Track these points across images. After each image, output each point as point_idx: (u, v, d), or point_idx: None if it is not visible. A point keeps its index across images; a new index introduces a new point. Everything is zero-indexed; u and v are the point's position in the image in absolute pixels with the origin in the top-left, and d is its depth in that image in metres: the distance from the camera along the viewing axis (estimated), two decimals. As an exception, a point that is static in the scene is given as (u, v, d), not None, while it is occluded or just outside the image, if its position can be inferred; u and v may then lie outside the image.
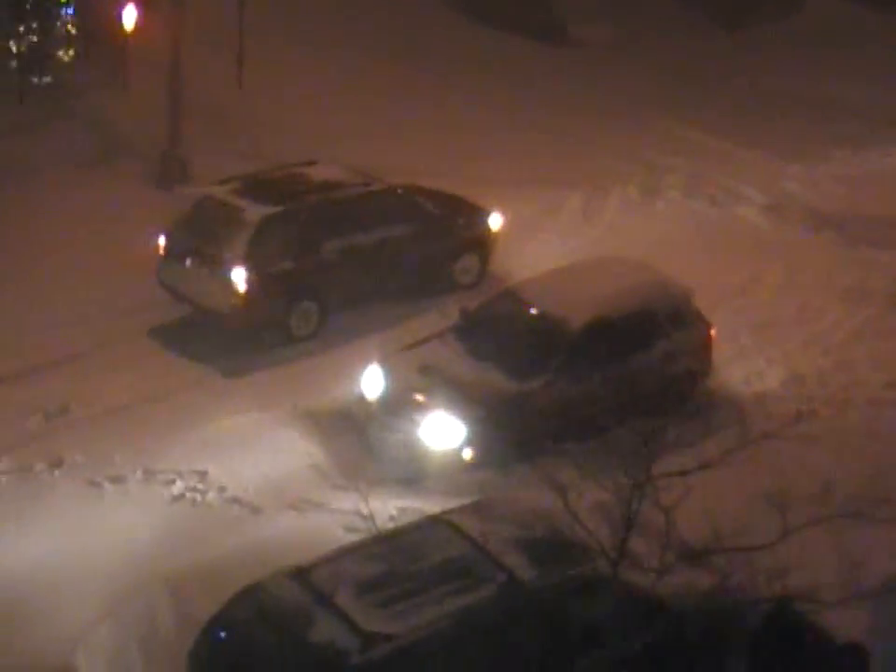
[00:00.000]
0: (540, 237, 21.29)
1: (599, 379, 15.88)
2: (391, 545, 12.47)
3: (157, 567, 13.77)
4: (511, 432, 15.44)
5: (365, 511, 12.63)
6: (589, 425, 14.95)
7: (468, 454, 15.55)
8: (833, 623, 12.08)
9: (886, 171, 24.14)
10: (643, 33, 29.90)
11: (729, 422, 16.33)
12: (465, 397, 15.53)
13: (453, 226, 19.61)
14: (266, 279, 17.70)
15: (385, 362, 16.41)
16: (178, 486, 15.34)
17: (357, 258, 18.48)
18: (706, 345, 17.10)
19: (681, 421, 15.70)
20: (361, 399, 16.23)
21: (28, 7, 24.11)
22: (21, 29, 24.04)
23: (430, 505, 14.48)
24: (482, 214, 19.99)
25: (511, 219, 20.61)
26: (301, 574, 12.02)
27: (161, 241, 18.49)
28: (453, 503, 13.77)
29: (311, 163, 19.37)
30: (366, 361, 16.72)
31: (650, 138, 24.97)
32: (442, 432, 15.48)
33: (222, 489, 15.33)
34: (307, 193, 18.42)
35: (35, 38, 24.20)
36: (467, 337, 16.49)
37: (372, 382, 16.21)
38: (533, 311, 16.36)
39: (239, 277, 17.51)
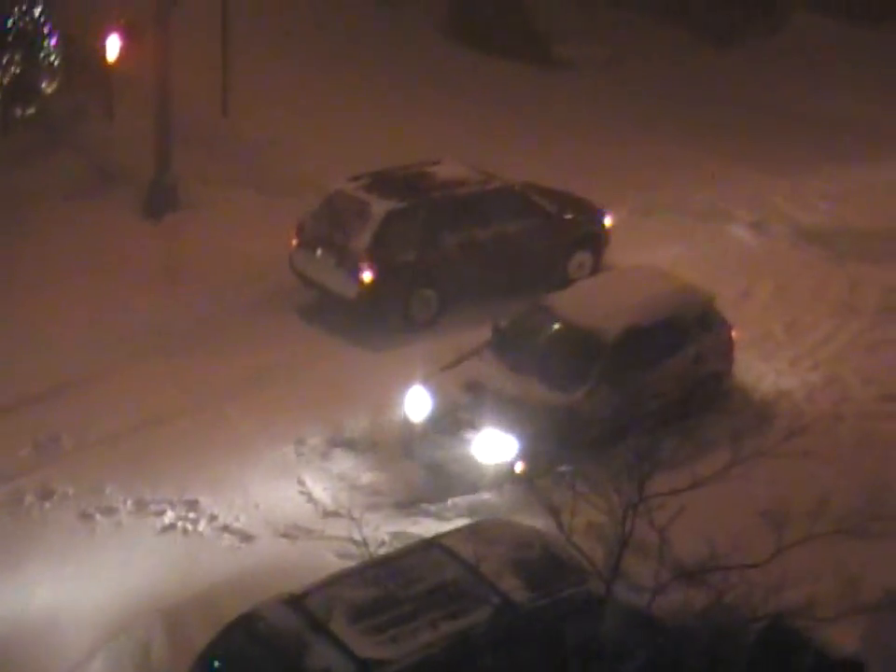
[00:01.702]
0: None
1: (637, 384, 16.37)
2: (385, 570, 12.42)
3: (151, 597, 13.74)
4: (559, 443, 15.74)
5: (357, 537, 12.59)
6: (629, 430, 14.99)
7: (520, 467, 15.85)
8: (829, 639, 12.05)
9: (873, 185, 24.19)
10: (628, 52, 29.98)
11: (722, 439, 16.34)
12: (513, 412, 15.93)
13: (567, 223, 20.61)
14: (389, 268, 18.96)
15: (429, 382, 16.71)
16: (170, 516, 15.30)
17: (475, 251, 19.60)
18: (729, 346, 17.68)
19: (675, 439, 15.86)
20: (406, 420, 16.58)
21: (10, 38, 24.08)
22: (4, 60, 24.00)
23: (423, 529, 14.51)
24: (595, 211, 20.96)
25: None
26: (294, 601, 11.98)
27: (295, 232, 19.80)
28: (446, 527, 13.80)
29: (435, 162, 20.49)
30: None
31: (639, 157, 24.99)
32: (495, 447, 15.84)
33: (213, 518, 15.31)
34: (430, 190, 19.66)
35: (17, 69, 24.17)
36: (504, 352, 16.90)
37: (417, 402, 16.55)
38: (568, 323, 16.85)
39: (364, 266, 18.69)
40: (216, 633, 11.94)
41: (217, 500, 15.54)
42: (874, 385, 18.12)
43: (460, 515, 15.05)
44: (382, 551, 13.65)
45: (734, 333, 17.78)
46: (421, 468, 16.13)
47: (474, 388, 16.37)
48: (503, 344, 17.04)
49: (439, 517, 15.15)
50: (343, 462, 16.35)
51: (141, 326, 18.83)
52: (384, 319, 19.11)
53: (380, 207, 19.03)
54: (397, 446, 16.53)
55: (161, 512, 15.35)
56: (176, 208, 22.24)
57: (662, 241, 21.90)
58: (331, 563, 13.78)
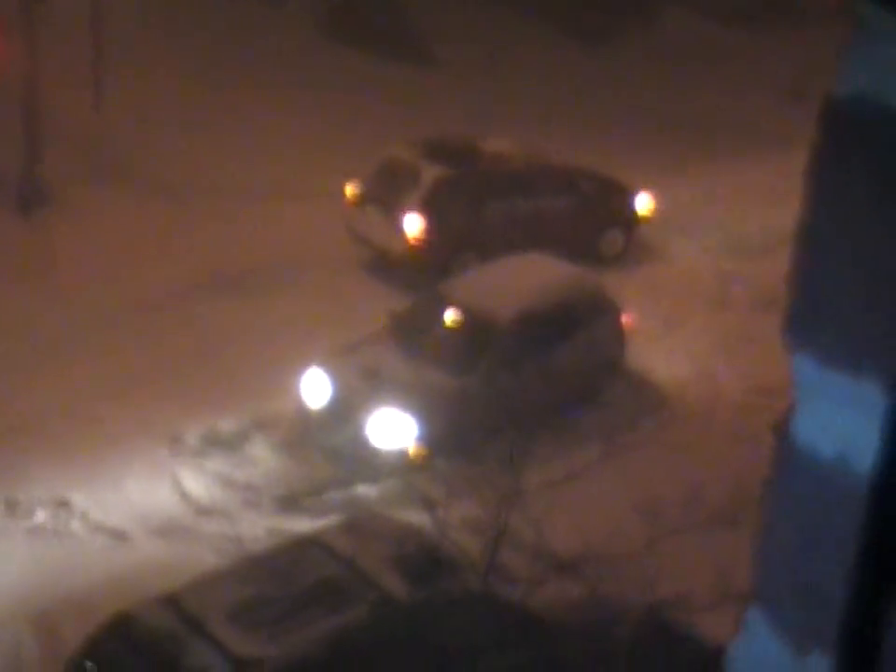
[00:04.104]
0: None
1: (531, 370, 16.57)
2: (261, 567, 12.33)
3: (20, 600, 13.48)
4: (454, 426, 15.96)
5: (231, 534, 12.46)
6: (526, 415, 15.26)
7: (415, 450, 15.98)
8: (704, 629, 12.02)
9: (750, 185, 24.37)
10: (504, 50, 30.07)
11: (596, 433, 16.50)
12: (409, 395, 16.05)
13: (602, 202, 21.81)
14: (434, 229, 20.12)
15: (326, 366, 16.65)
16: (40, 516, 15.02)
17: (516, 221, 20.71)
18: (621, 332, 17.93)
19: (550, 432, 15.95)
20: (302, 405, 16.55)
21: None
22: None
23: (299, 525, 14.39)
24: (629, 193, 22.00)
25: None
26: (169, 601, 11.83)
27: (350, 191, 20.92)
28: (322, 523, 13.69)
29: (485, 137, 21.73)
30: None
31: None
32: (391, 431, 15.96)
33: (84, 516, 15.06)
34: (479, 160, 21.08)
35: None
36: (400, 338, 17.04)
37: (315, 386, 16.56)
38: (462, 309, 17.03)
39: (411, 225, 19.87)
40: (88, 635, 11.73)
41: (89, 499, 15.29)
42: (744, 379, 18.27)
43: (336, 510, 14.93)
44: (259, 547, 13.51)
45: (625, 319, 17.96)
46: (305, 459, 16.08)
47: (371, 373, 16.50)
48: (400, 331, 17.19)
49: (315, 513, 15.04)
50: (220, 457, 16.16)
51: (11, 324, 18.42)
52: (425, 275, 19.53)
53: (431, 172, 20.34)
54: (281, 437, 16.41)
55: (32, 512, 15.06)
56: (46, 205, 21.84)
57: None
58: (207, 561, 13.64)
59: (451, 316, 17.11)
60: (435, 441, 15.92)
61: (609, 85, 28.83)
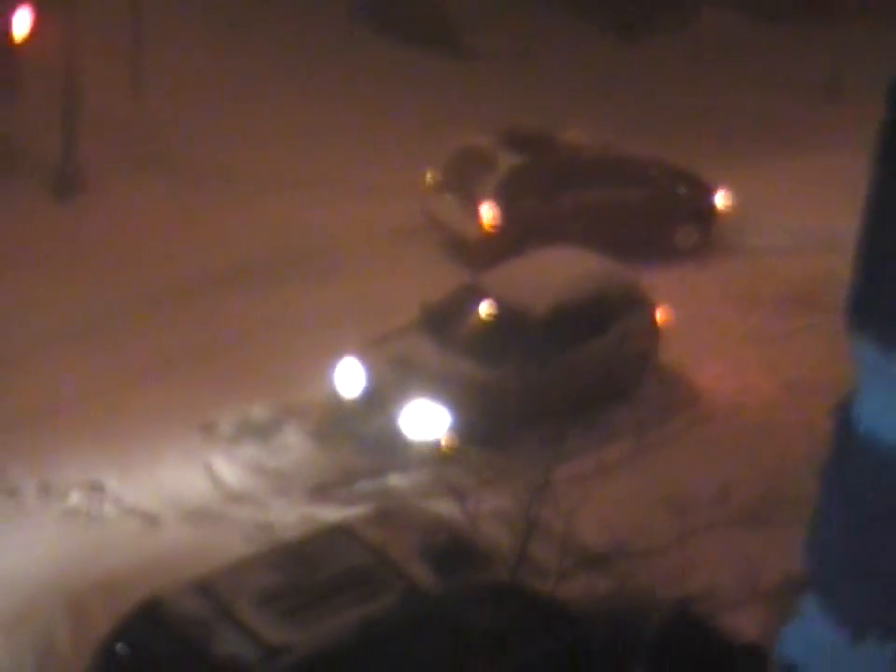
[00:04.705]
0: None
1: (565, 363, 16.66)
2: (291, 555, 12.36)
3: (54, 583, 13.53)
4: (486, 418, 16.01)
5: (261, 521, 12.50)
6: (557, 408, 15.46)
7: (446, 441, 15.99)
8: (731, 625, 12.12)
9: (784, 180, 24.22)
10: (538, 44, 29.99)
11: (627, 428, 16.50)
12: (440, 387, 16.06)
13: (678, 197, 21.98)
14: (509, 216, 20.49)
15: (361, 356, 16.67)
16: (74, 498, 15.09)
17: (588, 211, 20.89)
18: (654, 325, 17.87)
19: (582, 426, 15.96)
20: (335, 395, 16.56)
21: None
22: None
23: (331, 513, 14.42)
24: (707, 189, 22.04)
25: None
26: (200, 586, 11.84)
27: (429, 178, 21.30)
28: (352, 511, 13.72)
29: (561, 127, 22.02)
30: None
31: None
32: (423, 421, 15.98)
33: (118, 500, 15.11)
34: (553, 150, 21.48)
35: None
36: (433, 330, 17.06)
37: (349, 376, 16.59)
38: (496, 300, 17.10)
39: (486, 212, 20.21)
40: (119, 619, 11.78)
41: (122, 483, 15.34)
42: (775, 374, 18.20)
43: (367, 500, 14.98)
44: (290, 535, 13.55)
45: (660, 312, 17.90)
46: (337, 448, 16.10)
47: (404, 364, 16.51)
48: (432, 322, 17.17)
49: (346, 502, 15.07)
50: (252, 445, 16.17)
51: (47, 308, 18.48)
52: (496, 260, 19.40)
53: (506, 161, 20.76)
54: (312, 426, 16.41)
55: (66, 495, 15.12)
56: (83, 192, 21.86)
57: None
58: (237, 548, 13.64)
59: (485, 308, 17.10)
60: (466, 433, 15.94)
61: (644, 80, 28.73)
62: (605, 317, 17.30)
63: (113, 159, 22.58)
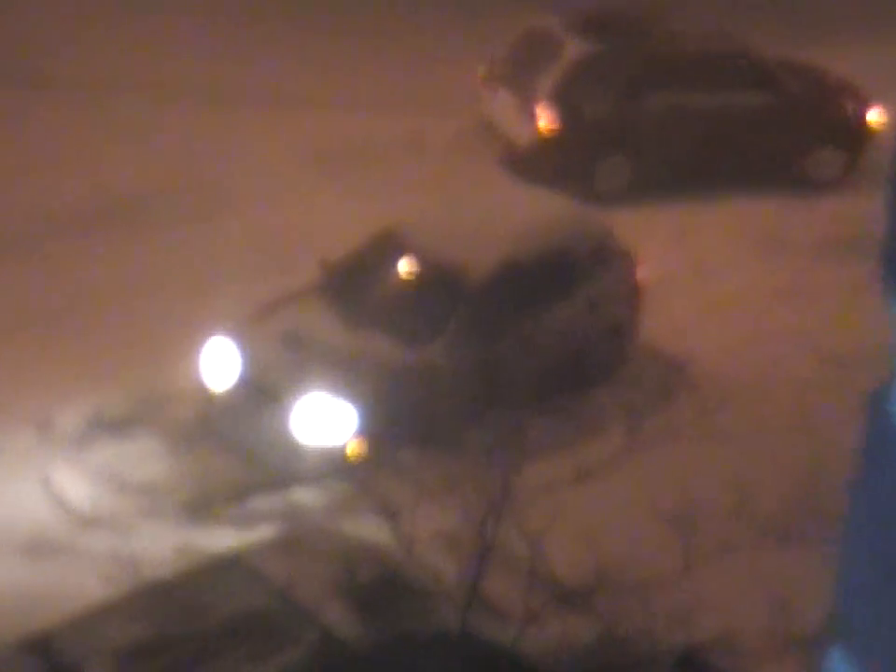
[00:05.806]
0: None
1: (512, 338, 16.45)
2: (164, 598, 12.28)
3: None
4: (406, 413, 15.83)
5: (123, 553, 12.35)
6: (512, 395, 15.36)
7: (355, 446, 15.75)
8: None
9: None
10: None
11: (614, 417, 16.70)
12: (347, 374, 15.90)
13: (813, 108, 21.72)
14: (575, 120, 20.62)
15: (235, 335, 16.48)
16: None
17: (687, 120, 20.86)
18: (633, 289, 17.78)
19: (554, 416, 15.85)
20: (202, 387, 16.42)
21: None
22: None
23: (216, 541, 14.34)
24: (859, 100, 21.95)
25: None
26: (38, 645, 11.72)
27: (481, 71, 21.81)
28: (247, 538, 13.71)
29: (661, 11, 22.27)
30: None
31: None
32: (322, 421, 15.73)
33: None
34: (643, 38, 21.35)
35: None
36: (336, 297, 16.86)
37: (219, 361, 16.39)
38: (422, 258, 16.81)
39: (545, 112, 20.44)
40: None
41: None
42: (810, 345, 18.29)
43: (265, 522, 14.98)
44: (159, 572, 13.35)
45: (642, 271, 17.77)
46: (221, 453, 16.02)
47: (295, 344, 16.31)
48: (335, 286, 16.98)
49: (236, 525, 15.02)
50: (107, 449, 16.08)
51: None
52: (558, 180, 19.59)
53: (576, 48, 20.76)
54: (187, 423, 16.34)
55: None
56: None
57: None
58: (92, 590, 13.42)
59: (406, 267, 16.75)
60: (390, 432, 15.71)
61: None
62: (568, 278, 17.08)
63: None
